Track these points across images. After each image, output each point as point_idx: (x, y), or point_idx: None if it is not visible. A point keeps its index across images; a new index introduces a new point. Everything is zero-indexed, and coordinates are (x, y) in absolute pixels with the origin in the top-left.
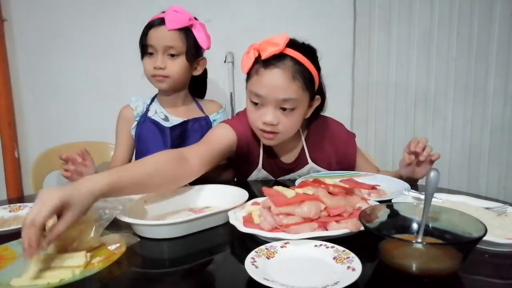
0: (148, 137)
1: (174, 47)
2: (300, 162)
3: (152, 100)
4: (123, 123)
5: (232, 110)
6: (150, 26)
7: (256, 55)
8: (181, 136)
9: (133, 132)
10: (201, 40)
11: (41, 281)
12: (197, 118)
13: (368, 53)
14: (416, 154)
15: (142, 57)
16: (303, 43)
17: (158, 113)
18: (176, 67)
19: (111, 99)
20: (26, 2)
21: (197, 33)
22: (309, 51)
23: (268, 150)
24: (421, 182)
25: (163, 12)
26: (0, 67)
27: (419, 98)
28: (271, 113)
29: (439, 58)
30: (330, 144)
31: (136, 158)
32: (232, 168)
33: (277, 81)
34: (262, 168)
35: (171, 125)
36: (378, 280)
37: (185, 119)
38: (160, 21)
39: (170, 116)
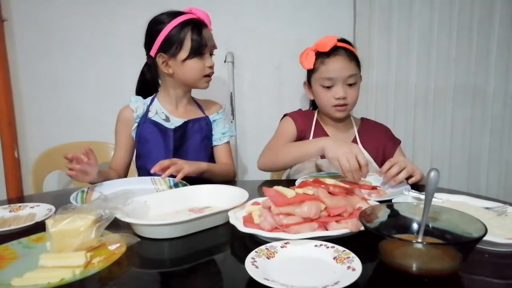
0: (149, 139)
1: (215, 45)
2: None
3: (152, 100)
4: (123, 124)
5: (232, 110)
6: (199, 27)
7: (314, 53)
8: (181, 137)
9: (133, 134)
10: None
11: (41, 281)
12: (198, 119)
13: (368, 53)
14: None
15: (189, 57)
16: (344, 39)
17: (158, 113)
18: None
19: (111, 99)
20: (26, 2)
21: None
22: (350, 43)
23: (323, 134)
24: (421, 182)
25: (179, 12)
26: (0, 67)
27: (419, 99)
28: (341, 89)
29: (439, 58)
30: (377, 139)
31: (137, 160)
32: None
33: (341, 63)
34: None
35: (173, 126)
36: (378, 280)
37: (186, 120)
38: (202, 22)
39: (171, 116)
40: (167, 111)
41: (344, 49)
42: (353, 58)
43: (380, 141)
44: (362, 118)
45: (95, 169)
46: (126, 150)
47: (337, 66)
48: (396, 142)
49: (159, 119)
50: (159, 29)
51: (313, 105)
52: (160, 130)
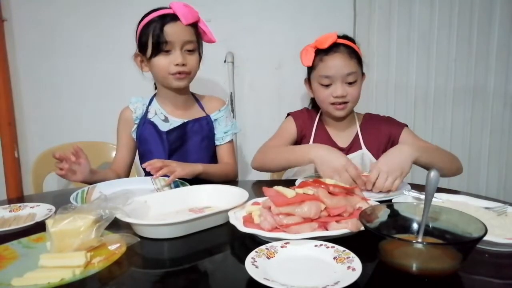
0: (149, 139)
1: (192, 42)
2: (353, 146)
3: (151, 100)
4: (123, 125)
5: (232, 110)
6: (162, 22)
7: (314, 50)
8: (180, 137)
9: (134, 135)
10: (210, 34)
11: (41, 281)
12: (198, 119)
13: (368, 54)
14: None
15: (153, 55)
16: (346, 35)
17: (157, 114)
18: (195, 62)
19: (111, 99)
20: (26, 2)
21: (205, 27)
22: (352, 40)
23: (324, 132)
24: (421, 181)
25: (163, 8)
26: (0, 66)
27: (419, 99)
28: (340, 87)
29: (439, 58)
30: (379, 132)
31: (140, 159)
32: None
33: (340, 61)
34: None
35: (170, 127)
36: (378, 280)
37: (185, 120)
38: (172, 17)
39: (170, 116)
40: (165, 111)
41: (344, 46)
42: (354, 55)
43: (383, 133)
44: (365, 114)
45: (85, 168)
46: (127, 150)
47: (335, 64)
48: (401, 126)
49: (158, 119)
50: (137, 29)
51: (313, 103)
52: (157, 132)
